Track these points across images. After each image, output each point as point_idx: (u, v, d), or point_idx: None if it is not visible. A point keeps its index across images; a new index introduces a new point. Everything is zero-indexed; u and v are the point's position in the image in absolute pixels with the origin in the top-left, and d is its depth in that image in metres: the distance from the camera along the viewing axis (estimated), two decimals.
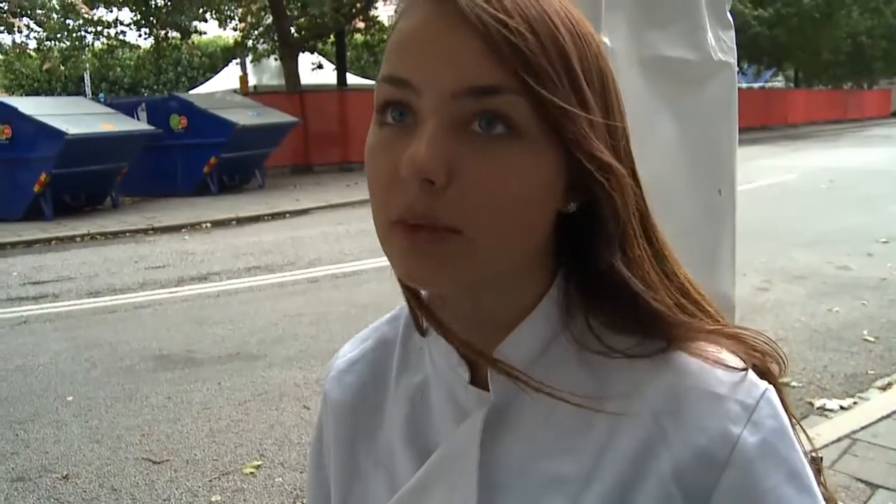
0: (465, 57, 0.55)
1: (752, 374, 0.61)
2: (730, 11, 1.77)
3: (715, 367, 0.61)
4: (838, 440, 3.71)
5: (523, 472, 0.64)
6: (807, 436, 0.63)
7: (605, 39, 1.43)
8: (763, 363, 0.63)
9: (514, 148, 0.56)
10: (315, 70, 21.84)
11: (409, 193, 0.56)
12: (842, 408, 4.16)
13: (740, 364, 0.62)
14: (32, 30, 20.55)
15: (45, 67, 21.77)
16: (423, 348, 0.73)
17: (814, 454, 0.63)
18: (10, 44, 21.97)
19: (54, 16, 19.99)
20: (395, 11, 0.62)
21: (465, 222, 0.56)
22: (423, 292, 0.70)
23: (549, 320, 0.65)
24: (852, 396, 4.33)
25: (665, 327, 0.62)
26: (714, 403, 0.59)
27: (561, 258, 0.66)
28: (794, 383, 4.47)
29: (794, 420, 0.62)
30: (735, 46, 1.78)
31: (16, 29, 19.71)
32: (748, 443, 0.58)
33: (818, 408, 4.16)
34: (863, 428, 3.84)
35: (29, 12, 19.44)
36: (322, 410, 0.81)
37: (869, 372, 4.75)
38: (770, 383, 0.62)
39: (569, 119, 0.56)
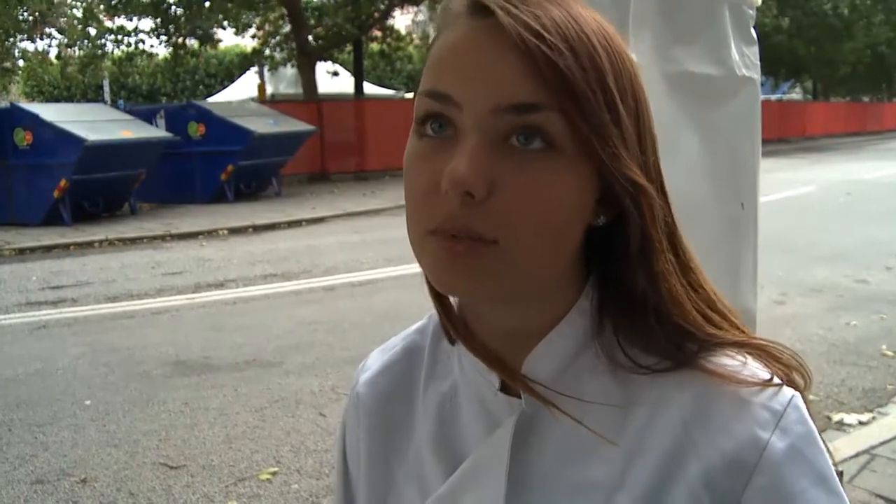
0: (505, 74, 0.56)
1: (778, 381, 0.62)
2: (754, 28, 1.78)
3: (742, 375, 0.62)
4: (857, 455, 3.68)
5: (552, 478, 0.64)
6: (828, 449, 0.63)
7: (632, 55, 1.44)
8: (788, 376, 0.64)
9: (551, 163, 0.57)
10: (331, 78, 21.94)
11: (449, 204, 0.57)
12: (860, 422, 4.13)
13: (766, 373, 0.62)
14: (54, 37, 20.81)
15: (66, 72, 21.94)
16: (451, 355, 0.73)
17: (835, 468, 0.63)
18: (32, 51, 22.27)
19: (76, 23, 20.23)
20: (436, 26, 0.63)
21: (501, 233, 0.57)
22: (452, 301, 0.70)
23: (578, 331, 0.65)
24: (871, 411, 4.30)
25: (691, 339, 0.63)
26: (742, 409, 0.60)
27: (591, 269, 0.67)
28: (811, 397, 4.43)
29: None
30: (759, 62, 1.79)
31: (38, 37, 19.97)
32: (776, 448, 0.59)
33: (836, 422, 4.13)
34: (882, 443, 3.81)
35: (51, 20, 19.69)
36: (348, 413, 0.81)
37: (888, 386, 4.71)
38: None
39: (602, 136, 0.57)
